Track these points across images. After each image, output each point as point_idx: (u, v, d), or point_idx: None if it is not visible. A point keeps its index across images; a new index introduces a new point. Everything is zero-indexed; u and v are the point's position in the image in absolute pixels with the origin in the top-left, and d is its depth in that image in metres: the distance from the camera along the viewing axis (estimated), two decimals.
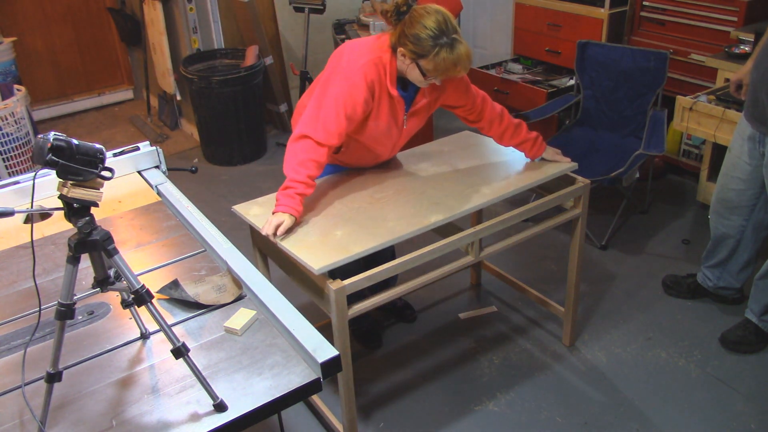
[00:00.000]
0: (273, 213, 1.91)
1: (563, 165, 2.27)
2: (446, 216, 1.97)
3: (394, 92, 2.02)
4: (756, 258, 2.64)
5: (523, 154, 2.33)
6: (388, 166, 2.33)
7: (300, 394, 1.32)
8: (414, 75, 1.98)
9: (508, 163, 2.32)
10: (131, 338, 1.48)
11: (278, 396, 1.30)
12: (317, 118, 1.95)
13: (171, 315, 1.55)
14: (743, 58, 3.14)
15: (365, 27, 4.22)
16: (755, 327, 2.55)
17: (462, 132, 2.60)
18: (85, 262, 1.24)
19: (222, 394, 1.28)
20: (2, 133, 3.48)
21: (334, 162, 2.26)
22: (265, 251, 2.14)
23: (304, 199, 1.94)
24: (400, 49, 1.94)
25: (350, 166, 2.30)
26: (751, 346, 2.54)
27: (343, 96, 1.94)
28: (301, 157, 1.93)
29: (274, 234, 1.86)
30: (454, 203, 2.04)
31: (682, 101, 3.04)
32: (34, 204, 1.20)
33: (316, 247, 1.83)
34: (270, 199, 2.13)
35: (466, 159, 2.36)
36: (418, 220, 1.95)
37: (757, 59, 2.27)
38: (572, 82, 3.79)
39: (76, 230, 1.19)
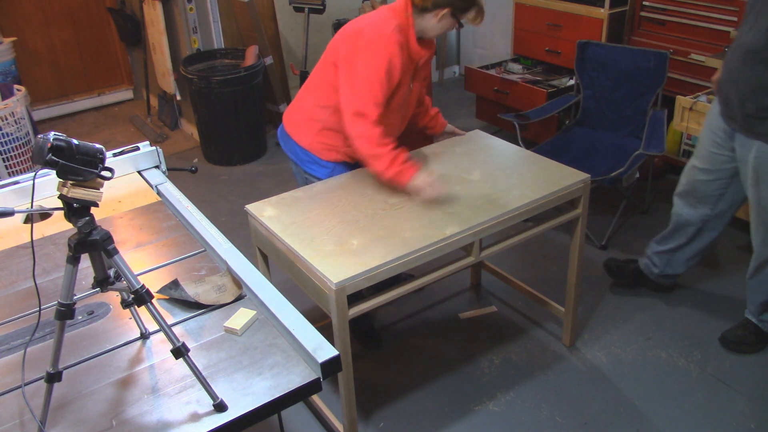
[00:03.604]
0: (406, 185, 2.09)
1: (577, 175, 2.25)
2: (462, 228, 1.97)
3: (417, 48, 2.15)
4: (708, 248, 2.67)
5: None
6: None
7: (300, 394, 1.32)
8: (444, 27, 2.15)
9: (521, 171, 2.30)
10: (131, 338, 1.48)
11: (278, 396, 1.30)
12: (368, 90, 2.06)
13: (171, 315, 1.54)
14: None
15: None
16: (755, 327, 2.55)
17: (473, 131, 2.62)
18: (85, 262, 1.24)
19: (222, 394, 1.28)
20: (2, 133, 3.48)
21: (348, 156, 2.29)
22: (265, 251, 2.14)
23: (406, 159, 2.11)
24: (437, 11, 2.09)
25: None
26: (751, 345, 2.55)
27: (385, 64, 2.05)
28: (373, 151, 2.08)
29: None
30: (468, 214, 2.03)
31: (682, 101, 3.04)
32: (34, 204, 1.20)
33: (333, 258, 1.83)
34: (281, 199, 2.16)
35: (477, 163, 2.36)
36: (434, 231, 1.95)
37: (726, 59, 2.28)
38: (572, 82, 3.79)
39: (76, 230, 1.19)
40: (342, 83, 2.10)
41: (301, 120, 2.31)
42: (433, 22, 2.13)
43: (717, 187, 2.47)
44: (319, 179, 2.32)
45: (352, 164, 2.34)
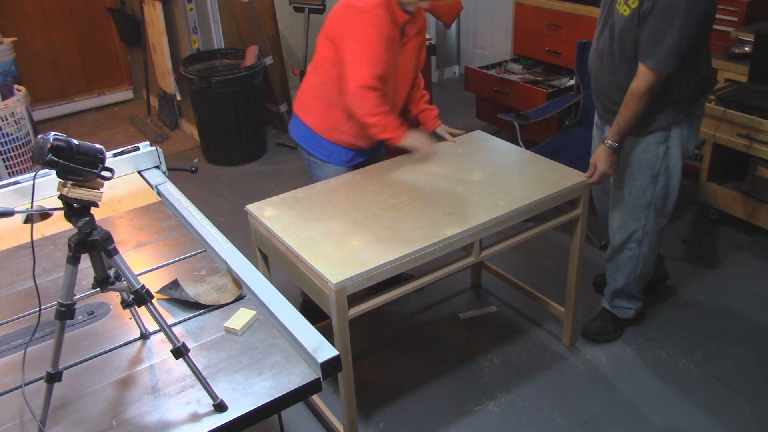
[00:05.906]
0: (401, 143, 2.26)
1: (578, 175, 2.25)
2: (462, 229, 1.97)
3: (401, 13, 2.20)
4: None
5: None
6: (401, 169, 2.34)
7: (300, 394, 1.32)
8: None
9: (521, 171, 2.30)
10: (131, 338, 1.48)
11: (278, 396, 1.30)
12: (366, 61, 2.14)
13: (171, 315, 1.55)
14: (743, 58, 3.14)
15: None
16: (611, 315, 2.63)
17: (474, 132, 2.62)
18: (85, 262, 1.24)
19: (222, 394, 1.28)
20: (2, 133, 3.49)
21: (353, 137, 2.33)
22: (265, 251, 2.14)
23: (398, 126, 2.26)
24: None
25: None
26: (610, 334, 2.62)
27: (378, 29, 2.14)
28: (369, 119, 2.20)
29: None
30: (468, 215, 2.03)
31: None
32: (34, 204, 1.20)
33: (333, 258, 1.83)
34: (281, 199, 2.16)
35: (478, 163, 2.36)
36: (434, 232, 1.95)
37: (589, 64, 2.42)
38: (572, 82, 3.79)
39: (76, 230, 1.19)
40: (345, 58, 2.16)
41: (306, 100, 2.37)
42: None
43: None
44: (321, 161, 2.37)
45: (355, 149, 2.38)
